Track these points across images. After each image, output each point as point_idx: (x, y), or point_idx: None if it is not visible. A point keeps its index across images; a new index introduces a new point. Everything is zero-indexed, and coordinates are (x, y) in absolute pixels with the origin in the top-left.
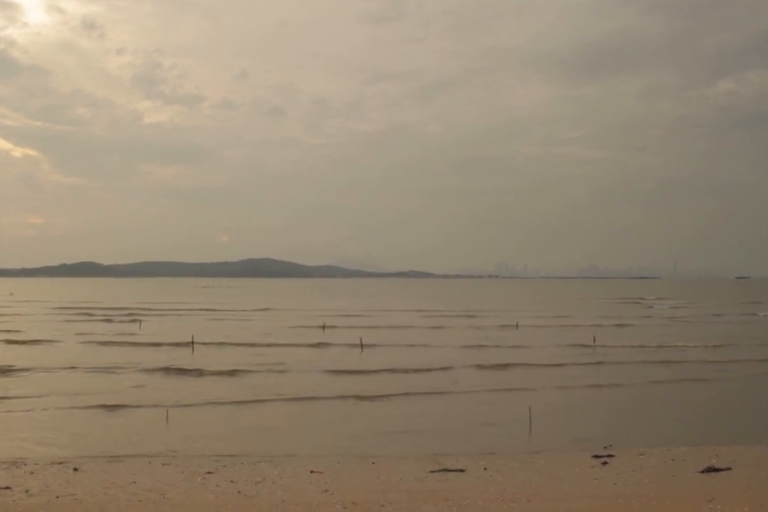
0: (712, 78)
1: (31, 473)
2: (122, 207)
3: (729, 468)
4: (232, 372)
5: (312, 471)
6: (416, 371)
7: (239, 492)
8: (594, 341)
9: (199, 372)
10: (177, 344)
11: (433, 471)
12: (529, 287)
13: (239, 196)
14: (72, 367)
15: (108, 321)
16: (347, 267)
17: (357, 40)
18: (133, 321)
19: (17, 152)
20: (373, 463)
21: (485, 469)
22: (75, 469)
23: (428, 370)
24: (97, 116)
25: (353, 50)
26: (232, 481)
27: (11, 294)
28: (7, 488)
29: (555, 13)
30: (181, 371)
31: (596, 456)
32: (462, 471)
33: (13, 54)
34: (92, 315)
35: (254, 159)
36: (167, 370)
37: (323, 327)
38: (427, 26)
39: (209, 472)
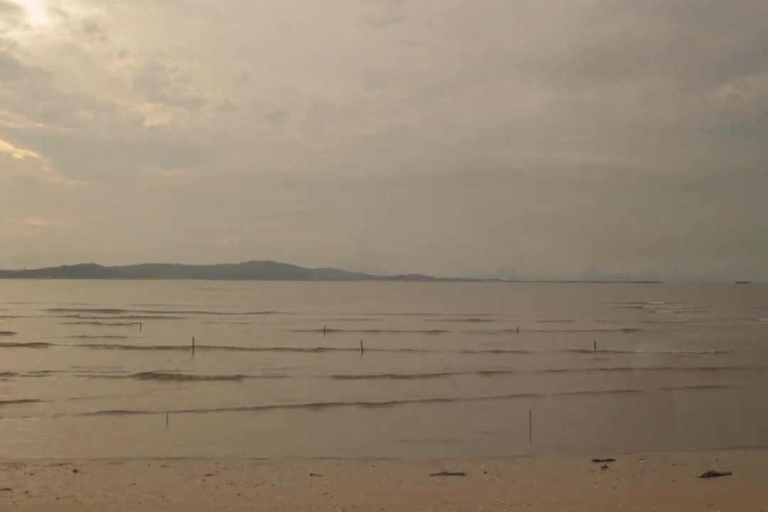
0: (714, 82)
1: (31, 474)
2: (123, 209)
3: (729, 473)
4: (233, 377)
5: (312, 474)
6: (417, 377)
7: (239, 494)
8: (594, 346)
9: (199, 376)
10: (178, 347)
11: (434, 475)
12: (530, 291)
13: (241, 198)
14: (72, 370)
15: (108, 324)
16: (348, 270)
17: (358, 44)
18: (133, 323)
19: (18, 154)
20: (373, 466)
21: (485, 473)
22: (75, 471)
23: (429, 376)
24: (99, 118)
25: (355, 53)
26: (231, 483)
27: None
28: (7, 489)
29: (555, 16)
30: (182, 375)
31: (596, 461)
32: (462, 474)
33: (15, 56)
34: (93, 317)
35: (256, 162)
36: (167, 374)
37: (324, 330)
38: (427, 30)
39: (209, 474)
